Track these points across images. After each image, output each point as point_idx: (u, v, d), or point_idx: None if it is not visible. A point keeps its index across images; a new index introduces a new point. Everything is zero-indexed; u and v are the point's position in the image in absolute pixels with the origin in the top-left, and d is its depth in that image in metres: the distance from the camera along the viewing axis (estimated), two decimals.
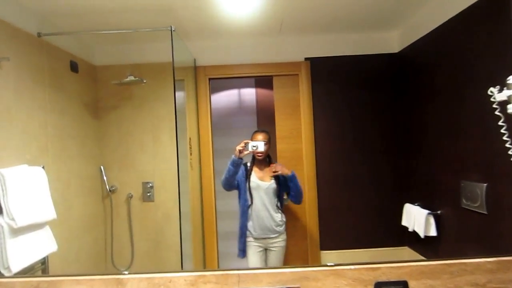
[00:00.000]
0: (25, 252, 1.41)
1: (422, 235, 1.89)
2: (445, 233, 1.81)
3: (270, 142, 2.11)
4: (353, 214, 2.30)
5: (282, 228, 2.09)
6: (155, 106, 2.33)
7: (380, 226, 2.29)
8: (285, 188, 2.08)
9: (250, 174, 2.08)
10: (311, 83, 2.33)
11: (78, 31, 2.04)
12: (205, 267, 2.32)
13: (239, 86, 3.05)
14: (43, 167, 1.61)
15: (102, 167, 2.31)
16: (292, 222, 2.27)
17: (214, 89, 2.93)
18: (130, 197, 2.33)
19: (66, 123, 1.95)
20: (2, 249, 1.32)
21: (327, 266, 1.15)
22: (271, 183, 2.07)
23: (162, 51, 2.28)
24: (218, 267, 2.37)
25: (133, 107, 2.33)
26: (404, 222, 2.13)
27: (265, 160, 2.11)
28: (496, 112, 1.20)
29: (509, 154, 1.19)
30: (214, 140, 2.42)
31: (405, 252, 2.21)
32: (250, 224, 2.07)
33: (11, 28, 1.56)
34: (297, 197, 2.09)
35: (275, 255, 2.08)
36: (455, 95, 1.73)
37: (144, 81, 2.21)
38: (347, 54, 2.31)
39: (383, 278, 1.12)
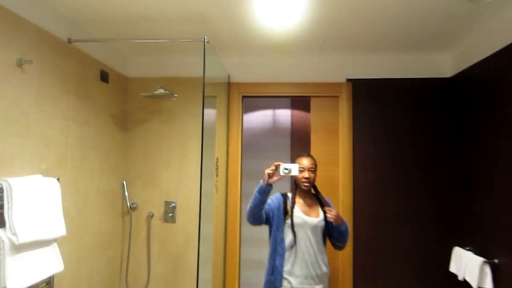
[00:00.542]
0: (26, 271, 1.28)
1: (475, 286, 1.66)
2: (502, 287, 1.56)
3: (316, 170, 1.77)
4: (392, 255, 2.08)
5: (327, 278, 1.73)
6: (184, 122, 2.23)
7: (425, 271, 2.05)
8: (331, 229, 1.75)
9: (293, 206, 1.72)
10: (352, 106, 2.16)
11: (109, 39, 1.99)
12: None
13: (274, 106, 2.93)
14: (58, 179, 1.51)
15: (124, 182, 2.22)
16: None
17: (247, 108, 2.84)
18: (151, 216, 2.21)
19: (89, 134, 1.87)
20: (0, 267, 1.19)
21: None
22: (320, 220, 1.71)
23: (195, 65, 2.22)
24: None
25: (162, 122, 2.25)
26: (452, 269, 1.92)
27: (310, 191, 1.78)
28: None
29: None
30: (244, 161, 2.29)
31: None
32: (288, 270, 1.67)
33: (40, 31, 1.50)
34: (342, 243, 1.75)
35: None
36: None
37: (176, 95, 2.11)
38: (393, 77, 2.14)
39: None
